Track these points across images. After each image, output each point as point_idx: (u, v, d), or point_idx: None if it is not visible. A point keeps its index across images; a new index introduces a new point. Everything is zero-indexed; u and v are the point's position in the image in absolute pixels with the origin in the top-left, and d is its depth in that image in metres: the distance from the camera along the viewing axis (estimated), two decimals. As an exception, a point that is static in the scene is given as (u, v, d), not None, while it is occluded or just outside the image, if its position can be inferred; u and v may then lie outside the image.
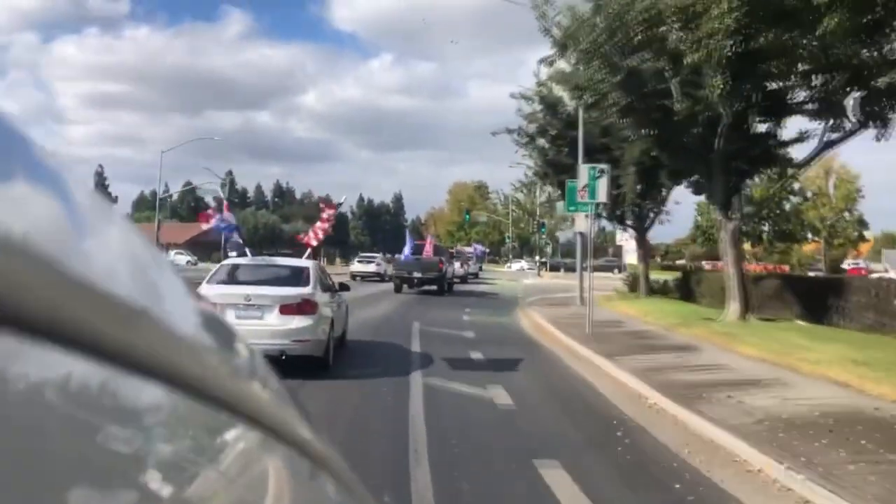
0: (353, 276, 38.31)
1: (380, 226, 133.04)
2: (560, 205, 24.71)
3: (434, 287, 30.43)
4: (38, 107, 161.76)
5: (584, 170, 16.28)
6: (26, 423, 0.32)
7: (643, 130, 17.65)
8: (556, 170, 22.91)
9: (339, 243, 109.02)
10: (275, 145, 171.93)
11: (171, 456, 0.48)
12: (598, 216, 22.95)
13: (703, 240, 79.75)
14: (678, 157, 18.63)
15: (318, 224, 12.63)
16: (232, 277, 9.91)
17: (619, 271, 72.86)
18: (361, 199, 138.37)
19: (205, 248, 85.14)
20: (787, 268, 59.40)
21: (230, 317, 8.43)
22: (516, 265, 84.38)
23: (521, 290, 34.48)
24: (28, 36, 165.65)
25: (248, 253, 12.60)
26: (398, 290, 30.29)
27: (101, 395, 0.38)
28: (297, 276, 9.85)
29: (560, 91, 22.56)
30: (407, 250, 25.39)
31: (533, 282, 44.26)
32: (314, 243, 12.48)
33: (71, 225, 0.40)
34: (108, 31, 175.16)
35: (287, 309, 9.08)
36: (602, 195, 15.83)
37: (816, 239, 73.10)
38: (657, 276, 31.21)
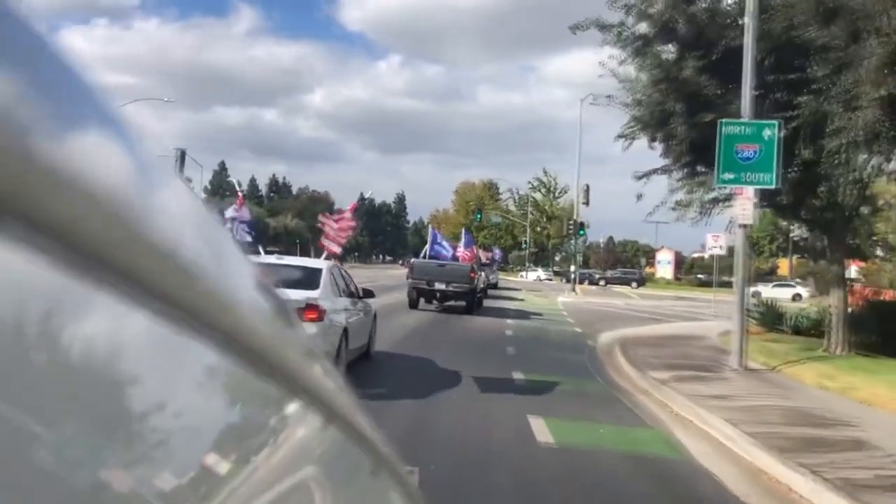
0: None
1: (380, 227, 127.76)
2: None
3: (462, 303, 22.28)
4: None
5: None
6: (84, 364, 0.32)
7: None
8: (691, 105, 12.57)
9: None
10: (280, 143, 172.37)
11: (226, 426, 0.49)
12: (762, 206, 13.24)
13: (749, 252, 70.31)
14: None
15: (337, 225, 11.31)
16: None
17: (638, 285, 62.99)
18: (362, 198, 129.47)
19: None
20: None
21: None
22: (531, 274, 74.34)
23: (571, 313, 24.61)
24: (35, 25, 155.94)
25: (261, 251, 11.43)
26: (413, 305, 21.97)
27: (159, 350, 0.38)
28: (307, 279, 8.82)
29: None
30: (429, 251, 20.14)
31: (570, 299, 34.17)
32: (336, 249, 11.18)
33: (141, 179, 0.39)
34: (117, 22, 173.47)
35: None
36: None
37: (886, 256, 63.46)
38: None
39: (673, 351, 13.55)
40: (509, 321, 19.41)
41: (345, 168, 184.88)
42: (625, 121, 14.26)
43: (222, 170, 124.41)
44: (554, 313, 24.82)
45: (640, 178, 14.77)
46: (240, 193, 13.41)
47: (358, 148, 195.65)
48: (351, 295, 9.94)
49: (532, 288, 50.30)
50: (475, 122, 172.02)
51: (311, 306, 8.03)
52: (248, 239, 11.77)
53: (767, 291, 62.42)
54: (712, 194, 13.81)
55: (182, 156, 32.67)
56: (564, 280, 73.67)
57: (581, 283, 67.22)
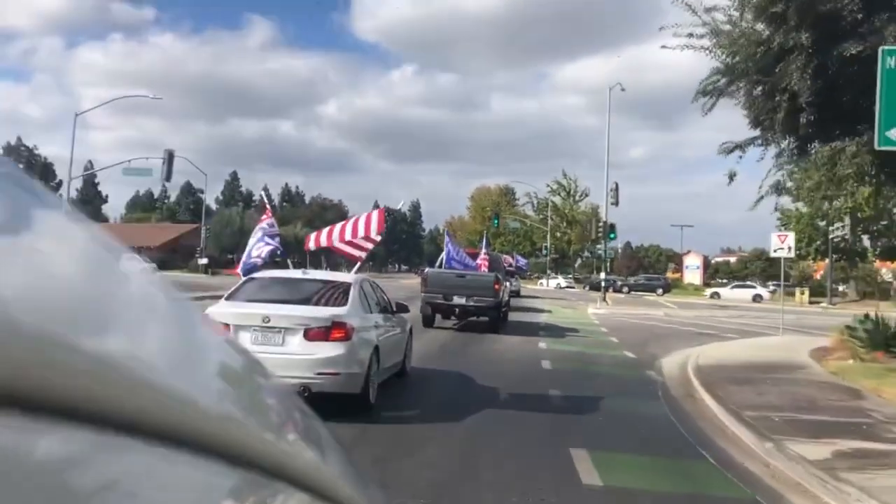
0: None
1: (396, 235, 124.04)
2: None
3: (485, 318, 18.99)
4: (62, 111, 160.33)
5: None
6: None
7: None
8: (822, 34, 8.74)
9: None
10: (296, 154, 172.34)
11: None
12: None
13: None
14: None
15: (363, 234, 10.96)
16: (254, 293, 8.48)
17: (664, 291, 58.91)
18: (376, 206, 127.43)
19: (183, 253, 73.04)
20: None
21: (244, 341, 7.37)
22: (551, 281, 70.60)
23: (610, 329, 21.17)
24: (53, 40, 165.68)
25: (290, 264, 11.10)
26: (428, 322, 18.73)
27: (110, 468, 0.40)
28: (334, 294, 8.47)
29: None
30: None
31: (603, 311, 30.55)
32: (360, 255, 10.96)
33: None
34: (133, 37, 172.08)
35: (314, 333, 7.65)
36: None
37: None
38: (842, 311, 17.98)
39: (779, 391, 9.98)
40: (542, 344, 15.90)
41: (360, 178, 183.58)
42: (707, 76, 10.68)
43: (234, 180, 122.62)
44: (590, 329, 21.29)
45: (729, 151, 11.27)
46: (268, 207, 12.52)
47: (373, 157, 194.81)
48: (384, 310, 9.51)
49: (556, 297, 46.76)
50: (490, 130, 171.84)
51: (337, 324, 7.73)
52: (278, 253, 11.49)
53: (726, 293, 59.48)
54: (848, 169, 9.85)
55: (170, 158, 29.50)
56: (587, 287, 70.34)
57: (619, 291, 63.52)
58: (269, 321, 7.66)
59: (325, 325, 7.61)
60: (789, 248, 19.96)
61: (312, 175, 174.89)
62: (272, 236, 11.42)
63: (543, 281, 72.05)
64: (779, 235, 20.12)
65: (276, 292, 8.51)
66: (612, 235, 35.25)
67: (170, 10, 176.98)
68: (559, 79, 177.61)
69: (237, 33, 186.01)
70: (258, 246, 11.17)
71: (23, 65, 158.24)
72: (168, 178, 29.77)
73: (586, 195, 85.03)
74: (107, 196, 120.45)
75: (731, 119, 11.35)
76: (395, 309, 9.97)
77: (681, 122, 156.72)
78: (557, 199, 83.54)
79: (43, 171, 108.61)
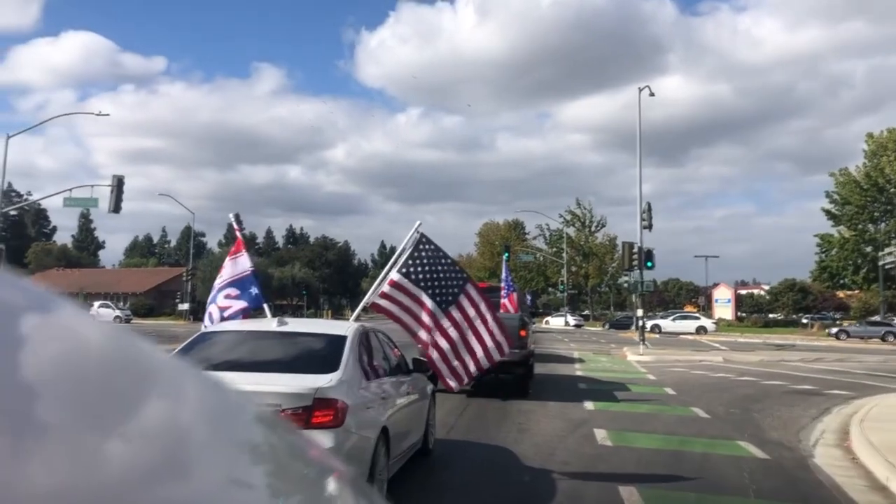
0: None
1: None
2: None
3: (509, 375, 13.86)
4: (75, 163, 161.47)
5: None
6: None
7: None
8: None
9: (350, 293, 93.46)
10: (305, 199, 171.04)
11: None
12: None
13: (828, 284, 60.16)
14: None
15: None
16: (206, 357, 6.00)
17: (704, 332, 51.20)
18: (383, 246, 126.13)
19: (171, 298, 68.09)
20: None
21: None
22: (555, 320, 64.94)
23: (678, 389, 15.96)
24: (65, 93, 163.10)
25: (267, 311, 8.44)
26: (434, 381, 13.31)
27: None
28: (320, 354, 6.10)
29: None
30: None
31: (647, 357, 25.08)
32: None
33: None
34: (143, 87, 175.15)
35: (287, 419, 5.14)
36: None
37: None
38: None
39: None
40: (601, 432, 9.87)
41: (367, 219, 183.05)
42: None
43: (237, 221, 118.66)
44: (650, 389, 15.92)
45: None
46: (238, 235, 9.92)
47: (380, 199, 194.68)
48: (395, 370, 7.10)
49: (575, 338, 41.27)
50: (496, 169, 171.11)
51: (322, 402, 5.30)
52: (254, 293, 8.77)
53: (668, 325, 53.30)
54: None
55: (119, 185, 24.57)
56: (607, 326, 64.56)
57: (622, 328, 57.46)
58: None
59: (303, 404, 5.31)
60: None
61: (320, 218, 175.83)
62: (241, 281, 8.82)
63: (549, 319, 66.45)
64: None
65: (238, 355, 6.24)
66: (648, 264, 29.79)
67: (180, 59, 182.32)
68: (562, 118, 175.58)
69: (246, 81, 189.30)
70: (227, 296, 8.71)
71: (36, 118, 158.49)
72: (116, 209, 24.83)
73: (603, 225, 79.95)
74: (104, 242, 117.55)
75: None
76: (410, 367, 7.62)
77: (684, 158, 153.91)
78: (571, 231, 78.28)
79: (35, 216, 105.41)
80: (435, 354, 7.13)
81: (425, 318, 7.16)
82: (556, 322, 64.89)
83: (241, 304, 8.66)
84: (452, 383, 7.23)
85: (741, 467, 7.73)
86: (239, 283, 8.80)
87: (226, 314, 8.56)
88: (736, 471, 7.57)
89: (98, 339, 0.52)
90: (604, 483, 6.96)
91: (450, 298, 7.25)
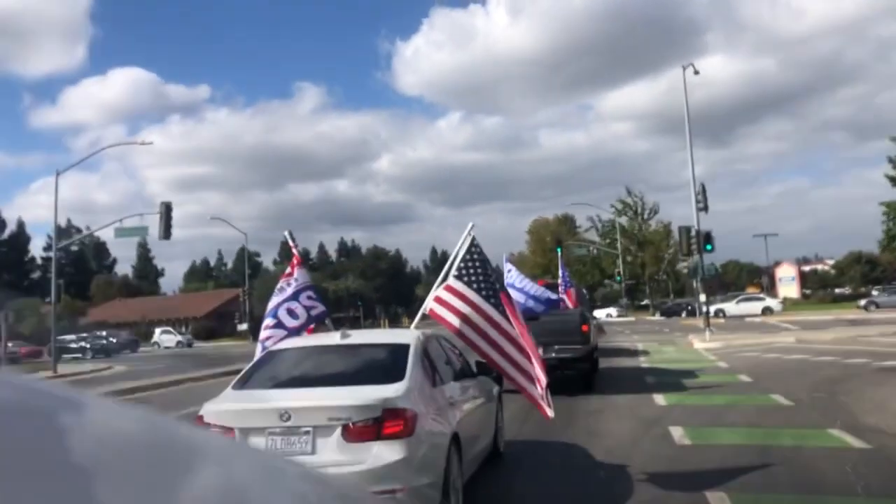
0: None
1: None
2: None
3: (572, 371, 13.44)
4: (131, 195, 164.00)
5: None
6: None
7: None
8: None
9: (405, 301, 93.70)
10: (354, 211, 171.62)
11: None
12: None
13: (899, 254, 57.60)
14: None
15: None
16: (271, 376, 6.14)
17: (771, 312, 48.63)
18: (434, 251, 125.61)
19: (230, 319, 69.15)
20: None
21: (259, 447, 5.13)
22: (597, 311, 63.67)
23: (764, 381, 15.10)
24: (116, 129, 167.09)
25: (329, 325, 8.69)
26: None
27: None
28: (385, 364, 6.01)
29: None
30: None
31: (714, 344, 24.14)
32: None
33: None
34: (190, 116, 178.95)
35: (357, 430, 5.16)
36: None
37: None
38: None
39: None
40: (677, 430, 9.27)
41: (416, 226, 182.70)
42: None
43: (291, 238, 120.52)
44: (722, 378, 15.15)
45: None
46: (294, 251, 9.76)
47: (428, 205, 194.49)
48: (461, 375, 7.00)
49: (637, 329, 40.32)
50: (541, 166, 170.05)
51: (391, 413, 5.16)
52: (319, 308, 8.67)
53: (732, 308, 49.99)
54: None
55: (167, 212, 24.94)
56: (659, 314, 62.88)
57: (672, 315, 55.96)
58: (288, 418, 5.27)
59: (372, 415, 5.16)
60: None
61: (371, 229, 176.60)
62: (303, 291, 8.70)
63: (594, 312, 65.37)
64: None
65: (304, 370, 6.20)
66: (708, 247, 28.77)
67: (221, 86, 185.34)
68: (603, 108, 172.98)
69: (287, 102, 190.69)
70: (289, 308, 8.50)
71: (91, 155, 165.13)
72: (167, 235, 25.21)
73: (655, 212, 78.20)
74: (163, 269, 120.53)
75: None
76: (475, 371, 7.58)
77: (731, 138, 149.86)
78: (624, 220, 76.87)
79: (95, 250, 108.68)
80: (511, 370, 6.83)
81: (485, 325, 6.81)
82: (598, 313, 64.05)
83: (303, 319, 8.49)
84: (550, 412, 6.87)
85: (840, 460, 7.05)
86: (302, 296, 8.66)
87: (289, 325, 8.43)
88: (835, 465, 6.89)
89: (131, 428, 0.53)
90: (689, 490, 6.43)
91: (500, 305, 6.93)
